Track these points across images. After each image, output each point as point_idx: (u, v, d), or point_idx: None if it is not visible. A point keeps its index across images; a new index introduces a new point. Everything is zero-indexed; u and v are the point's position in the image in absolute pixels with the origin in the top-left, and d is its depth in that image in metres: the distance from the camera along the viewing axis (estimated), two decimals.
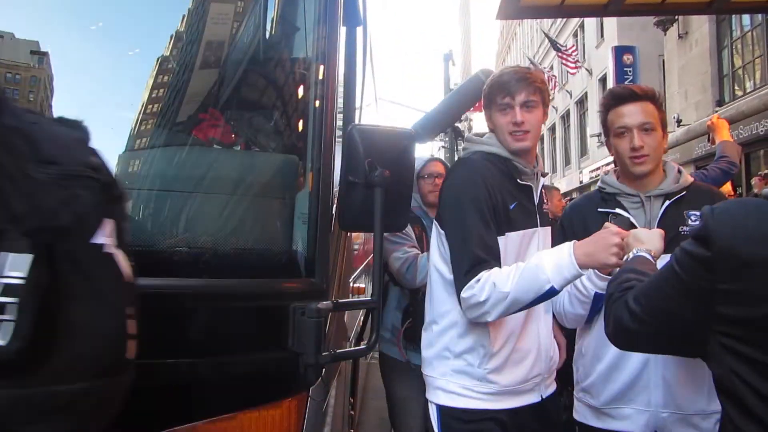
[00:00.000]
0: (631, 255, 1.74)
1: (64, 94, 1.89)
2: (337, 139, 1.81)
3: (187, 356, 1.52)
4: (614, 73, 20.61)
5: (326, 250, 1.68)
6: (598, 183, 2.29)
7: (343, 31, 1.99)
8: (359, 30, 2.39)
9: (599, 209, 2.18)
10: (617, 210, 2.14)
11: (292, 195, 1.76)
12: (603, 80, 22.78)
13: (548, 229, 2.28)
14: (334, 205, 1.80)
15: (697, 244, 1.29)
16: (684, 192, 2.12)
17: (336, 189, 1.80)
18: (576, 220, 2.25)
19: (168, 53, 1.92)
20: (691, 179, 2.18)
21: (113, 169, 1.70)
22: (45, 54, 1.88)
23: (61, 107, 1.87)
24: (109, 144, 1.76)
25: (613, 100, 2.15)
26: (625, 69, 20.47)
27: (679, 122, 15.60)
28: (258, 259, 1.69)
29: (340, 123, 1.96)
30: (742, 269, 1.20)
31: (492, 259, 1.97)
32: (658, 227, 1.96)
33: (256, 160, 1.91)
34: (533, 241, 2.17)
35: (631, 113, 2.10)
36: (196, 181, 1.77)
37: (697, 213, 1.99)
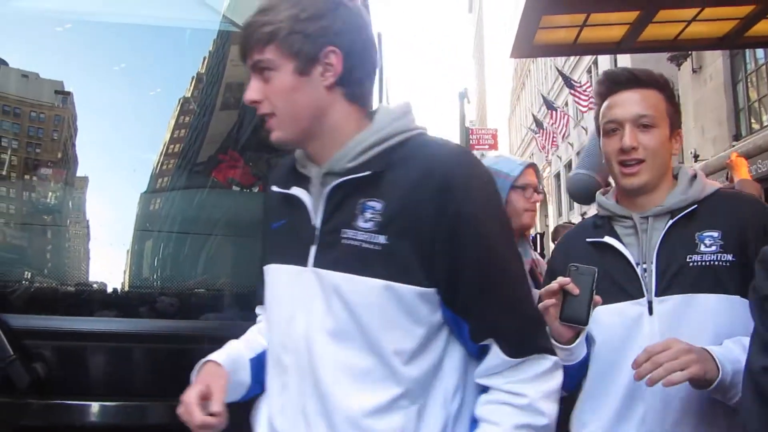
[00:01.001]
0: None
1: (86, 133, 1.93)
2: None
3: None
4: None
5: None
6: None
7: None
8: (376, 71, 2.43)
9: (588, 239, 1.62)
10: (607, 239, 1.55)
11: None
12: None
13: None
14: None
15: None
16: (695, 206, 1.50)
17: None
18: (559, 256, 1.73)
19: (189, 95, 1.96)
20: (711, 187, 1.56)
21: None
22: (69, 94, 1.93)
23: (84, 146, 1.91)
24: (130, 184, 1.79)
25: (608, 86, 1.61)
26: None
27: (696, 157, 15.51)
28: None
29: None
30: None
31: None
32: (656, 260, 1.47)
33: None
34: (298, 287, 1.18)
35: (625, 102, 1.55)
36: (213, 222, 1.78)
37: (715, 234, 1.45)
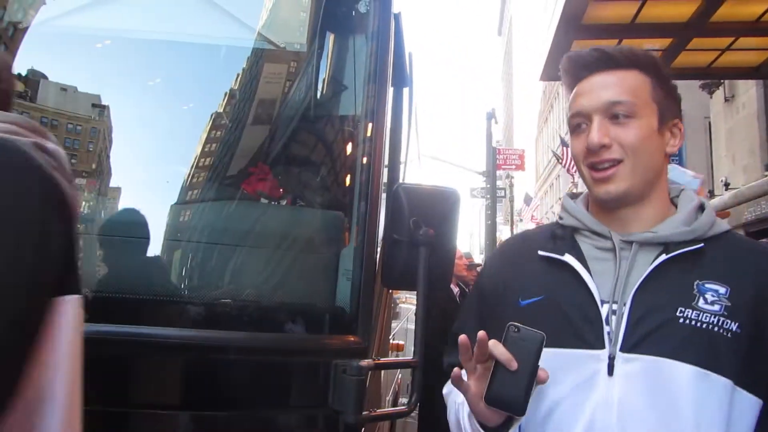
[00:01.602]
0: None
1: (121, 146, 1.97)
2: (381, 196, 1.83)
3: (226, 409, 1.51)
4: None
5: (369, 307, 1.67)
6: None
7: (390, 91, 2.04)
8: (405, 90, 2.45)
9: (541, 251, 1.20)
10: (568, 259, 1.16)
11: (337, 251, 1.77)
12: None
13: None
14: (378, 263, 1.81)
15: None
16: (701, 245, 1.12)
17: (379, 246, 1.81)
18: (494, 272, 1.32)
19: (221, 110, 1.99)
20: (722, 225, 1.18)
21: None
22: (105, 107, 1.97)
23: (118, 158, 1.95)
24: (162, 195, 1.82)
25: (573, 72, 1.22)
26: None
27: (726, 186, 15.23)
28: (301, 315, 1.69)
29: (385, 179, 1.98)
30: None
31: None
32: (632, 303, 1.08)
33: (302, 216, 1.93)
34: None
35: (594, 88, 1.17)
36: (242, 235, 1.80)
37: (722, 290, 1.07)
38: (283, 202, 1.97)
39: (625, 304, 1.09)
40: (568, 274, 1.15)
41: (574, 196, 1.31)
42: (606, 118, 1.15)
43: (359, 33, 1.96)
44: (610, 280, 1.13)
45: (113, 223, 1.84)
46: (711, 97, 16.16)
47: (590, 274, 1.13)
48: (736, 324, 1.05)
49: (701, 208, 1.20)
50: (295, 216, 1.93)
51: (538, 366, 0.97)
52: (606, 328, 1.09)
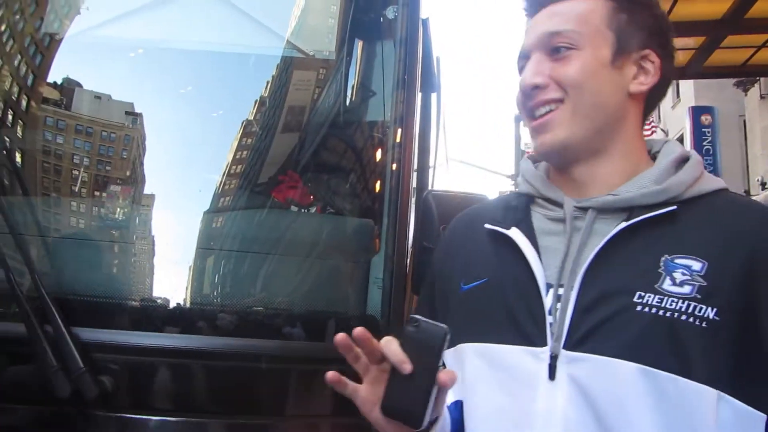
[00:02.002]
0: None
1: (154, 153, 2.00)
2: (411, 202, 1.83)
3: (258, 416, 1.52)
4: (692, 134, 19.99)
5: (400, 315, 1.67)
6: None
7: (419, 96, 2.04)
8: (434, 95, 2.44)
9: (488, 224, 0.97)
10: (513, 234, 0.93)
11: (367, 259, 1.77)
12: (680, 141, 22.13)
13: None
14: (408, 270, 1.80)
15: None
16: (674, 207, 0.86)
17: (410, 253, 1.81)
18: (443, 247, 1.12)
19: (251, 117, 2.01)
20: (712, 182, 0.91)
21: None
22: (138, 115, 2.01)
23: (151, 165, 1.98)
24: (193, 203, 1.85)
25: (527, 10, 1.01)
26: (704, 130, 19.80)
27: (763, 185, 14.86)
28: (332, 323, 1.69)
29: (414, 185, 1.98)
30: None
31: None
32: (580, 285, 0.84)
33: (332, 224, 1.94)
34: None
35: (536, 23, 0.97)
36: (273, 242, 1.81)
37: (696, 266, 0.80)
38: (313, 210, 1.98)
39: (572, 288, 0.84)
40: (514, 252, 0.90)
41: (535, 159, 1.06)
42: (545, 54, 0.93)
43: (387, 39, 1.97)
44: (559, 257, 0.88)
45: (146, 231, 1.87)
46: (746, 95, 15.81)
47: (537, 252, 0.89)
48: (714, 310, 0.77)
49: (683, 160, 0.91)
50: (325, 223, 1.94)
51: (439, 368, 0.76)
52: (549, 319, 0.84)
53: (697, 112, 20.03)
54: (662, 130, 23.67)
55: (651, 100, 0.97)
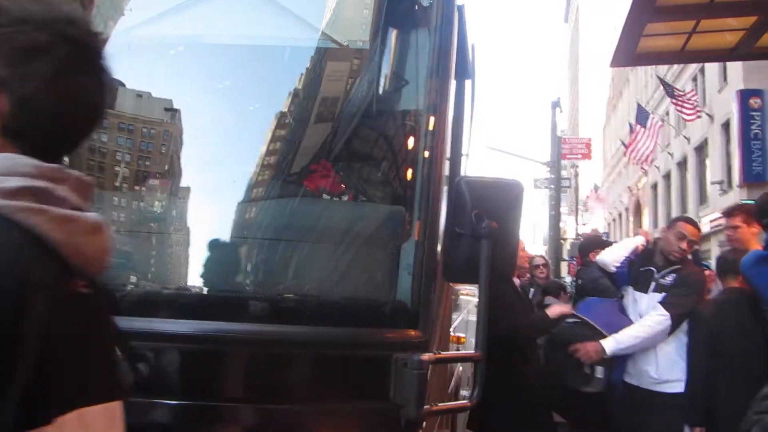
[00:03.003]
0: None
1: (192, 147, 2.04)
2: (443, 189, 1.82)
3: (288, 402, 1.55)
4: (740, 118, 19.27)
5: (431, 301, 1.67)
6: None
7: (453, 84, 2.02)
8: (468, 82, 2.42)
9: None
10: None
11: (398, 245, 1.77)
12: (726, 125, 21.38)
13: None
14: (439, 257, 1.80)
15: None
16: None
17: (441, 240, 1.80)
18: None
19: (286, 109, 2.03)
20: None
21: None
22: (177, 111, 2.05)
23: (189, 159, 2.03)
24: (229, 194, 1.88)
25: None
26: (752, 113, 19.06)
27: None
28: (362, 309, 1.70)
29: (446, 172, 1.97)
30: None
31: None
32: None
33: (363, 211, 1.95)
34: None
35: None
36: (305, 230, 1.83)
37: None
38: (346, 198, 2.00)
39: None
40: None
41: None
42: None
43: (422, 27, 1.96)
44: None
45: (183, 222, 1.92)
46: None
47: None
48: None
49: None
50: (357, 211, 1.95)
51: None
52: None
53: (745, 95, 19.28)
54: (707, 114, 22.85)
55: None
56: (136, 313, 1.56)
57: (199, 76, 2.10)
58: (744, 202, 6.06)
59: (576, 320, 3.58)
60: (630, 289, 3.62)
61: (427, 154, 1.77)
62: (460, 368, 3.85)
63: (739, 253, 3.39)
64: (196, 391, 1.55)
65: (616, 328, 3.40)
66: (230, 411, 1.56)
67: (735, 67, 20.23)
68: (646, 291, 3.48)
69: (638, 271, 3.59)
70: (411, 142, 1.91)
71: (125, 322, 1.49)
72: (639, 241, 3.85)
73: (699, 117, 21.90)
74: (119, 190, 1.98)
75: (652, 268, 3.51)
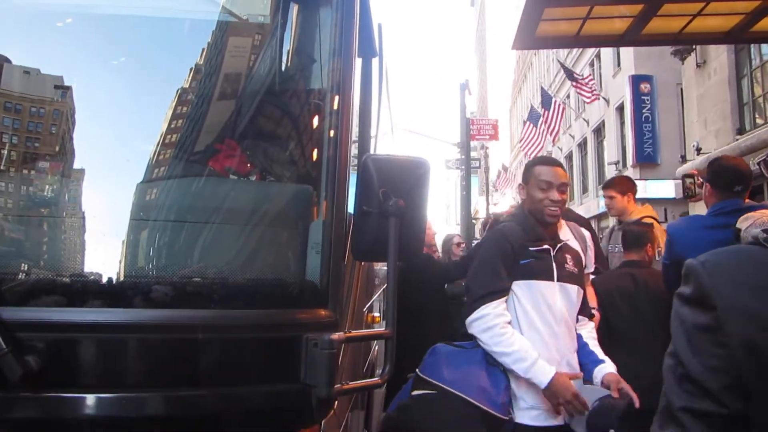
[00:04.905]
0: None
1: (84, 126, 1.92)
2: (351, 169, 1.82)
3: (197, 388, 1.50)
4: (632, 102, 20.57)
5: (339, 280, 1.67)
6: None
7: (359, 62, 2.01)
8: (375, 61, 2.42)
9: None
10: None
11: (306, 225, 1.76)
12: (620, 109, 22.73)
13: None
14: (348, 235, 1.80)
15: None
16: None
17: (349, 219, 1.80)
18: None
19: (186, 85, 1.95)
20: None
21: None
22: (68, 88, 1.92)
23: (81, 139, 1.91)
24: (127, 175, 1.79)
25: None
26: (643, 98, 20.42)
27: (698, 150, 15.48)
28: (270, 290, 1.68)
29: (355, 152, 1.97)
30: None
31: None
32: None
33: (269, 191, 1.91)
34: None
35: None
36: (209, 211, 1.78)
37: None
38: (252, 178, 1.95)
39: None
40: None
41: None
42: None
43: (324, 3, 1.93)
44: None
45: (77, 206, 1.81)
46: (683, 64, 16.29)
47: None
48: None
49: None
50: (263, 191, 1.91)
51: None
52: None
53: (636, 80, 20.59)
54: (604, 98, 24.22)
55: None
56: (26, 303, 1.46)
57: (93, 51, 1.98)
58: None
59: None
60: None
61: (332, 132, 1.76)
62: (376, 347, 3.90)
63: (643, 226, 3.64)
64: (97, 383, 1.48)
65: None
66: (136, 400, 1.49)
67: (627, 53, 21.51)
68: None
69: None
70: (316, 120, 1.89)
71: (11, 313, 1.41)
72: None
73: (597, 100, 23.14)
74: (5, 174, 1.83)
75: None
